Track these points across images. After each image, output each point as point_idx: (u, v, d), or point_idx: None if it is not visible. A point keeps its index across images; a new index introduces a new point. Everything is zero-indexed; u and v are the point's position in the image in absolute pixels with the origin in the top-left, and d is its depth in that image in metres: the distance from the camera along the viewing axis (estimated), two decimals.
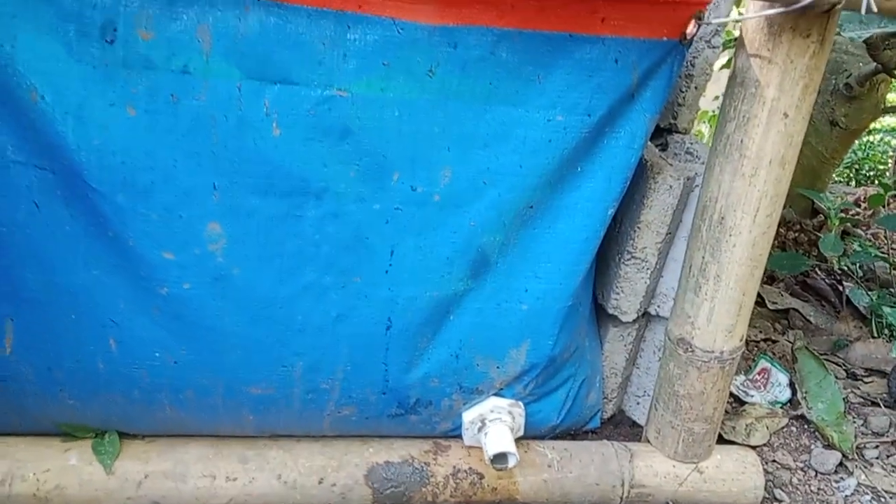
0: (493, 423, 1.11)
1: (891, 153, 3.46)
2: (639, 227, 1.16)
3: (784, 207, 2.17)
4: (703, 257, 1.06)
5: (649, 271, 1.19)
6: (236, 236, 0.90)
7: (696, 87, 1.26)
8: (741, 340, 1.12)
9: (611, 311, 1.24)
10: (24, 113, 0.80)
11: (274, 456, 1.10)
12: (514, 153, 0.94)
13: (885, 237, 2.26)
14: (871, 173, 3.43)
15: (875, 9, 0.77)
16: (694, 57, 1.21)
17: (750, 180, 0.98)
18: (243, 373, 0.98)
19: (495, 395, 1.12)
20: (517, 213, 0.98)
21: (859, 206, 2.64)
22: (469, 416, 1.12)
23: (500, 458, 1.09)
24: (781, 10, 0.85)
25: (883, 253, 2.00)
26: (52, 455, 1.04)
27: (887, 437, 1.43)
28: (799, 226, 2.20)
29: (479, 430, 1.12)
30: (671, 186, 1.12)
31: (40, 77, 0.78)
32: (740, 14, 0.95)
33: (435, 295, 0.99)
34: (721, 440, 1.35)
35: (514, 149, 0.94)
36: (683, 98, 1.27)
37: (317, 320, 0.96)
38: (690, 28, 0.92)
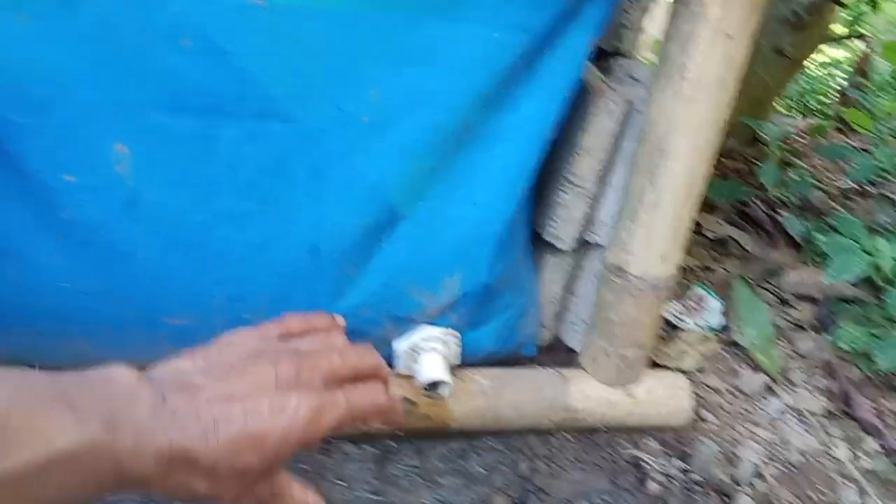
0: (427, 352, 1.10)
1: (835, 85, 3.50)
2: (577, 153, 1.12)
3: (727, 137, 2.17)
4: (641, 183, 1.04)
5: (587, 198, 1.17)
6: (145, 157, 0.83)
7: (642, 9, 1.22)
8: (675, 267, 1.11)
9: (548, 239, 1.22)
10: None
11: None
12: (447, 71, 0.89)
13: (823, 167, 2.30)
14: (815, 105, 3.47)
15: None
16: None
17: (690, 104, 0.95)
18: (159, 303, 0.93)
19: (429, 323, 1.10)
20: (451, 135, 0.93)
21: (802, 137, 2.67)
22: (402, 345, 1.10)
23: (434, 386, 1.09)
24: None
25: (820, 183, 2.03)
26: None
27: (813, 360, 1.48)
28: (740, 154, 2.21)
29: (412, 358, 1.11)
30: (611, 111, 1.08)
31: None
32: None
33: (364, 221, 0.95)
34: (654, 365, 1.37)
35: (447, 67, 0.88)
36: (628, 20, 1.22)
37: (237, 248, 0.91)
38: None
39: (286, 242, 0.93)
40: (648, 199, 1.03)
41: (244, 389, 0.54)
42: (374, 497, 1.12)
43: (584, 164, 1.13)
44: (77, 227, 0.85)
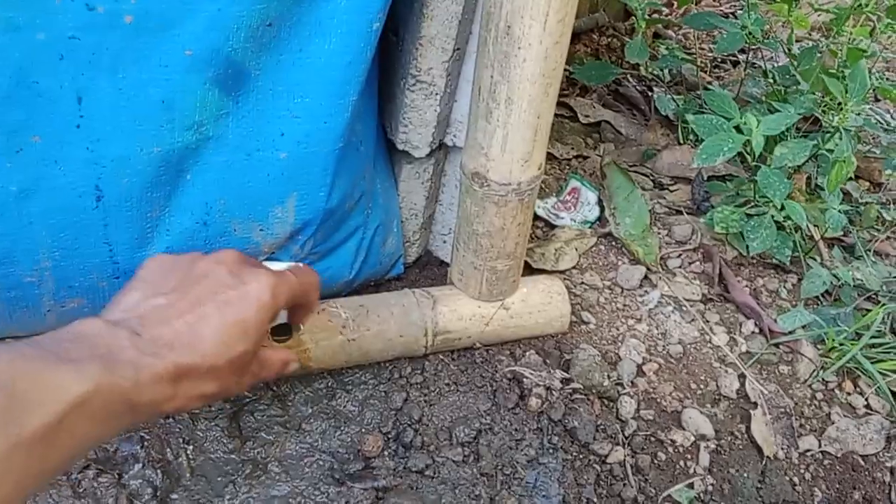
0: None
1: None
2: (421, 45, 0.96)
3: (597, 11, 2.03)
4: (492, 76, 0.89)
5: (438, 97, 1.02)
6: None
7: None
8: (539, 169, 1.00)
9: (401, 147, 1.07)
10: None
11: None
12: None
13: (695, 37, 2.22)
14: None
15: None
16: None
17: None
18: None
19: (267, 260, 0.95)
20: (250, 34, 0.74)
21: (672, 5, 2.58)
22: None
23: (282, 329, 0.95)
24: None
25: (691, 55, 1.96)
26: None
27: (689, 244, 1.44)
28: (612, 30, 2.10)
29: None
30: None
31: None
32: None
33: (157, 151, 0.76)
34: (532, 270, 1.29)
35: None
36: None
37: None
38: None
39: (55, 187, 0.74)
40: (501, 94, 0.89)
41: (205, 291, 0.59)
42: (231, 456, 1.00)
43: (429, 58, 0.98)
44: None
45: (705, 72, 2.06)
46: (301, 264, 0.98)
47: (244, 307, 0.59)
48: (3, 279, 0.78)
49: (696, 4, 2.37)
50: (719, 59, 2.19)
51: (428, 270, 1.30)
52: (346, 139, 0.89)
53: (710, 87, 1.78)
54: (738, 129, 1.28)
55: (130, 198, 0.78)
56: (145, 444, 0.97)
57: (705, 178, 1.56)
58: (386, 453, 1.04)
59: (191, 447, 0.99)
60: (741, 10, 2.60)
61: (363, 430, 1.05)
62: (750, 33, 1.37)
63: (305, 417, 1.05)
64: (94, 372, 0.47)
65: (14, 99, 0.68)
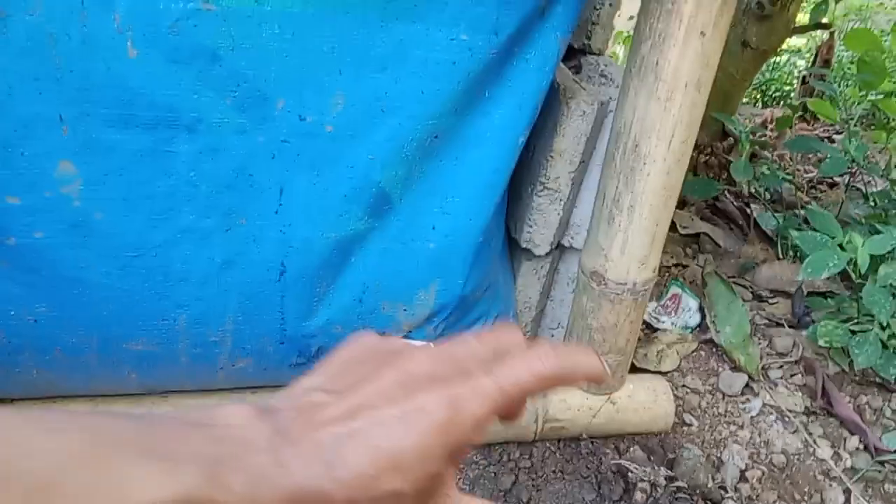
0: None
1: (797, 74, 3.53)
2: (551, 156, 1.09)
3: None
4: (617, 187, 1.01)
5: (562, 202, 1.13)
6: (95, 176, 0.78)
7: (610, 5, 1.19)
8: (654, 271, 1.09)
9: (524, 245, 1.19)
10: None
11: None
12: (414, 77, 0.84)
13: (791, 158, 2.30)
14: (778, 94, 3.49)
15: None
16: None
17: (665, 104, 0.92)
18: (118, 328, 0.87)
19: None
20: (420, 143, 0.89)
21: (766, 126, 2.68)
22: None
23: None
24: None
25: (789, 175, 2.03)
26: None
27: (791, 357, 1.47)
28: (710, 149, 2.21)
29: None
30: (584, 112, 1.05)
31: None
32: None
33: (333, 236, 0.90)
34: (633, 368, 1.35)
35: (414, 72, 0.84)
36: (597, 16, 1.19)
37: (199, 268, 0.86)
38: None
39: (251, 261, 0.88)
40: (625, 202, 1.00)
41: (368, 399, 0.43)
42: None
43: (557, 168, 1.10)
44: (23, 253, 0.79)
45: (802, 191, 2.13)
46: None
47: (403, 434, 0.42)
48: (193, 337, 0.91)
49: (790, 128, 2.46)
50: (815, 181, 2.25)
51: None
52: (484, 235, 1.01)
53: (808, 206, 1.85)
54: (840, 247, 1.33)
55: (306, 275, 0.91)
56: None
57: (805, 294, 1.60)
58: None
59: None
60: (837, 134, 2.68)
61: None
62: (852, 159, 1.44)
63: None
64: (189, 479, 0.36)
65: (233, 188, 0.83)
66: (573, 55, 1.25)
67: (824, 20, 2.08)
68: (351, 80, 0.82)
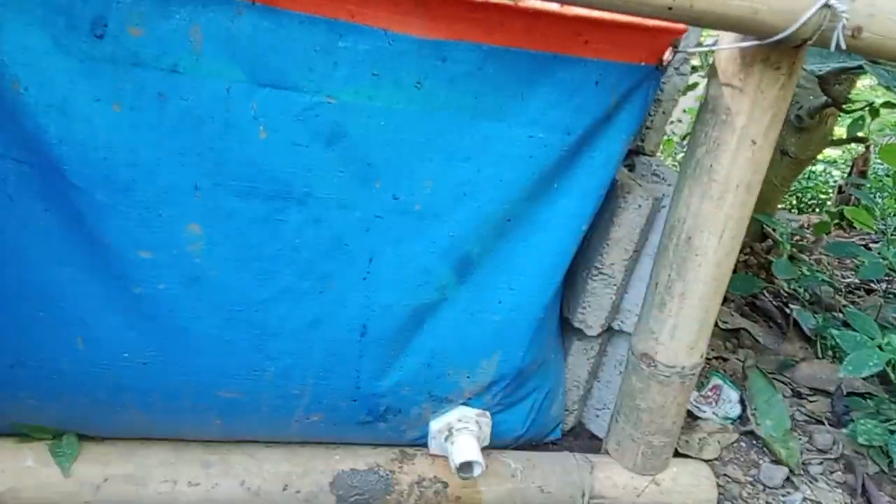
0: (460, 433, 1.13)
1: (832, 183, 3.63)
2: (608, 244, 1.19)
3: None
4: (670, 275, 1.09)
5: (615, 287, 1.22)
6: (216, 238, 0.89)
7: (663, 112, 1.31)
8: (701, 357, 1.16)
9: (576, 325, 1.27)
10: (4, 104, 0.78)
11: (238, 461, 1.08)
12: (495, 166, 0.96)
13: (828, 263, 2.37)
14: (813, 202, 3.59)
15: (844, 46, 0.81)
16: (663, 82, 1.26)
17: (718, 203, 1.02)
18: (214, 376, 0.97)
19: (463, 404, 1.14)
20: (495, 225, 1.00)
21: (804, 230, 2.76)
22: (437, 424, 1.13)
23: (466, 466, 1.10)
24: (755, 42, 0.89)
25: (828, 278, 2.10)
26: (7, 456, 1.00)
27: (831, 453, 1.50)
28: (749, 248, 2.29)
29: (446, 438, 1.13)
30: (640, 206, 1.15)
31: (25, 68, 0.77)
32: (715, 44, 1.00)
33: (411, 304, 1.00)
34: (675, 453, 1.39)
35: (495, 162, 0.96)
36: (651, 121, 1.31)
37: (292, 325, 0.96)
38: (667, 55, 0.96)
39: (337, 321, 0.98)
40: (677, 290, 1.09)
41: None
42: None
43: (613, 255, 1.19)
44: (145, 302, 0.90)
45: (840, 295, 2.18)
46: (485, 412, 1.16)
47: None
48: (276, 389, 1.00)
49: (827, 234, 2.54)
50: (853, 286, 2.31)
51: (580, 440, 1.43)
52: (544, 312, 1.09)
53: (846, 307, 1.90)
54: (879, 347, 1.39)
55: (384, 337, 1.00)
56: None
57: (845, 394, 1.64)
58: None
59: None
60: (874, 242, 2.75)
61: None
62: (890, 265, 1.51)
63: None
64: None
65: (329, 255, 0.94)
66: (628, 155, 1.36)
67: (860, 134, 2.19)
68: (440, 167, 0.94)
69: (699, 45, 1.15)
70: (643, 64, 0.95)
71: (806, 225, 2.82)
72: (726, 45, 0.94)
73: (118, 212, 0.85)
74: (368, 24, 0.84)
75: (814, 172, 3.68)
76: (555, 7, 0.86)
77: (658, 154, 1.40)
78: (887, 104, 2.06)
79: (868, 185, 2.93)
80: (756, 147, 0.98)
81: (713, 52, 0.99)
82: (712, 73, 1.00)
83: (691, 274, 1.07)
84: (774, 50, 0.91)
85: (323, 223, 0.92)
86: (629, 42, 0.92)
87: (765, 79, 0.94)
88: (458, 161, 0.94)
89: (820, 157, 3.76)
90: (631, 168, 1.37)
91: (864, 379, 1.60)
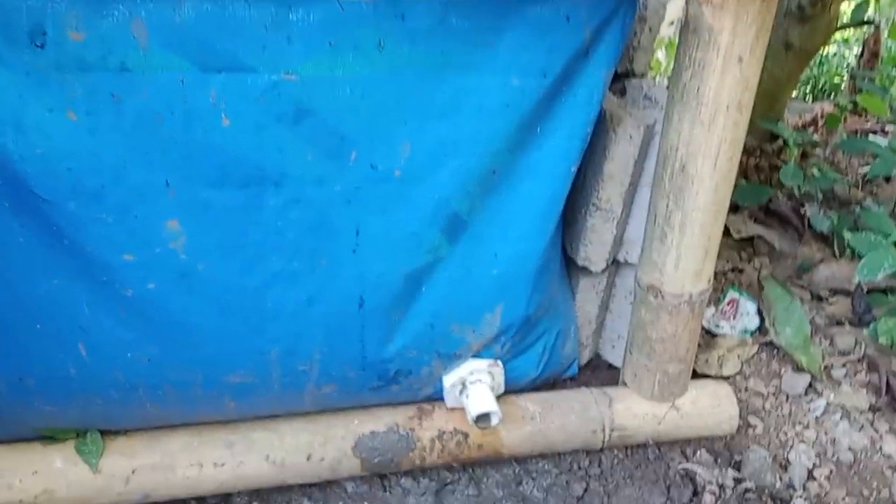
0: (474, 385, 1.13)
1: (846, 66, 3.48)
2: (602, 179, 1.16)
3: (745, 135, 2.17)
4: (668, 206, 1.06)
5: (615, 221, 1.20)
6: (196, 231, 0.88)
7: (650, 29, 1.25)
8: (708, 282, 1.14)
9: (581, 263, 1.25)
10: None
11: (259, 437, 1.10)
12: (472, 120, 0.93)
13: (844, 154, 2.30)
14: (827, 87, 3.46)
15: None
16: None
17: (709, 127, 0.98)
18: (220, 364, 0.98)
19: (473, 357, 1.14)
20: (480, 179, 0.97)
21: (816, 123, 2.67)
22: (449, 380, 1.13)
23: (483, 417, 1.12)
24: None
25: (841, 172, 2.04)
26: (36, 460, 1.03)
27: (853, 355, 1.49)
28: (759, 151, 2.22)
29: (461, 392, 1.14)
30: (631, 136, 1.11)
31: None
32: None
33: (405, 270, 0.99)
34: (695, 374, 1.39)
35: (471, 116, 0.92)
36: (638, 42, 1.25)
37: (289, 306, 0.96)
38: None
39: (333, 296, 0.97)
40: (676, 220, 1.06)
41: None
42: None
43: (609, 190, 1.16)
44: (138, 302, 0.90)
45: (856, 187, 2.12)
46: (496, 361, 1.16)
47: None
48: (284, 367, 1.01)
49: (841, 123, 2.45)
50: (870, 177, 2.24)
51: (598, 372, 1.44)
52: (543, 258, 1.08)
53: (862, 202, 1.85)
54: (895, 245, 1.35)
55: (382, 306, 1.00)
56: None
57: (865, 291, 1.61)
58: None
59: None
60: (892, 123, 2.65)
61: None
62: None
63: (498, 500, 1.19)
64: None
65: (315, 233, 0.92)
66: (617, 79, 1.31)
67: (867, 17, 2.08)
68: (415, 129, 0.91)
69: None
70: None
71: (820, 114, 2.72)
72: None
73: (93, 219, 0.84)
74: None
75: (826, 56, 3.53)
76: None
77: (649, 74, 1.34)
78: None
79: (881, 66, 2.80)
80: (743, 64, 0.93)
81: None
82: None
83: (689, 203, 1.04)
84: None
85: (303, 202, 0.90)
86: None
87: None
88: (433, 120, 0.91)
89: (833, 38, 3.59)
90: (621, 93, 1.32)
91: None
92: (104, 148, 0.81)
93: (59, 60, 0.76)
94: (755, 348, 1.49)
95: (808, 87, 3.44)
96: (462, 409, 1.16)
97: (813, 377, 1.42)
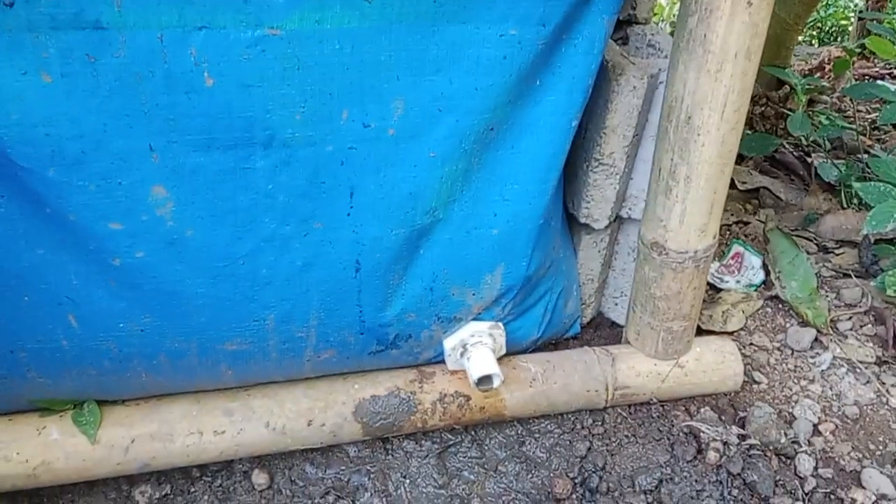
0: (475, 347, 1.11)
1: (853, 8, 3.39)
2: (604, 133, 1.12)
3: None
4: (672, 159, 1.03)
5: (618, 176, 1.16)
6: (184, 197, 0.84)
7: None
8: (714, 238, 1.11)
9: (583, 220, 1.22)
10: None
11: (259, 405, 1.09)
12: (468, 75, 0.88)
13: (851, 101, 2.24)
14: (834, 30, 3.37)
15: None
16: None
17: (716, 76, 0.94)
18: (214, 332, 0.95)
19: (474, 319, 1.12)
20: (478, 137, 0.93)
21: (823, 68, 2.60)
22: (450, 342, 1.11)
23: (485, 380, 1.10)
24: None
25: (849, 119, 1.99)
26: (32, 432, 1.02)
27: (860, 307, 1.47)
28: (765, 99, 2.17)
29: (462, 354, 1.12)
30: (635, 87, 1.07)
31: None
32: None
33: (402, 232, 0.95)
34: (699, 331, 1.37)
35: (467, 70, 0.88)
36: None
37: (282, 272, 0.93)
38: None
39: (329, 261, 0.94)
40: (681, 174, 1.02)
41: None
42: (441, 491, 1.15)
43: (611, 143, 1.12)
44: (127, 272, 0.87)
45: (865, 135, 2.08)
46: (497, 323, 1.14)
47: None
48: (281, 334, 0.99)
49: (849, 69, 2.39)
50: (879, 123, 2.19)
51: (601, 330, 1.42)
52: (544, 218, 1.04)
53: (871, 150, 1.81)
54: None
55: (379, 269, 0.97)
56: (371, 476, 1.14)
57: (872, 242, 1.58)
58: (574, 496, 1.15)
59: (407, 481, 1.15)
60: None
61: (552, 474, 1.17)
62: None
63: (501, 460, 1.19)
64: None
65: (308, 196, 0.89)
66: (619, 27, 1.26)
67: None
68: (409, 84, 0.86)
69: None
70: None
71: (827, 59, 2.65)
72: None
73: (75, 187, 0.80)
74: None
75: None
76: None
77: (653, 21, 1.29)
78: None
79: (890, 8, 2.72)
80: (752, 8, 0.88)
81: None
82: None
83: (695, 156, 1.00)
84: None
85: (294, 164, 0.86)
86: None
87: None
88: (427, 75, 0.87)
89: None
90: (624, 41, 1.27)
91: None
92: (82, 112, 0.77)
93: (31, 19, 0.71)
94: (760, 303, 1.47)
95: (816, 31, 3.36)
96: (463, 372, 1.14)
97: (818, 331, 1.40)
